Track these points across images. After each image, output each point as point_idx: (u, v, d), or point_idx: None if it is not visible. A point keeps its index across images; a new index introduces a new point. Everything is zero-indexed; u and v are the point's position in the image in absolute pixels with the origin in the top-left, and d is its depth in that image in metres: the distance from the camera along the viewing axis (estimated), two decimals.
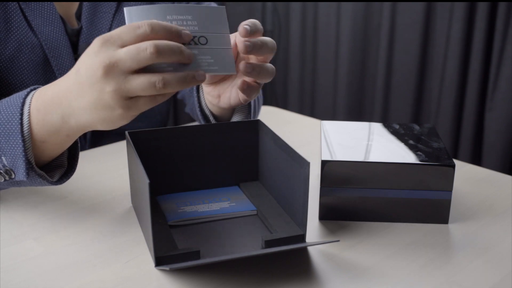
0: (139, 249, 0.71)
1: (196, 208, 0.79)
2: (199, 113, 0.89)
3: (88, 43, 1.00)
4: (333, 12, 2.34)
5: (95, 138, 1.06)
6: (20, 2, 0.94)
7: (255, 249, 0.70)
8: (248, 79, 0.75)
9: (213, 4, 1.14)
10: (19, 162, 0.71)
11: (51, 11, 0.97)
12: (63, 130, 0.69)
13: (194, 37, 0.67)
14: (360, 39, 2.31)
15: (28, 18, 0.95)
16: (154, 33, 0.62)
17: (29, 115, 0.70)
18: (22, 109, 0.70)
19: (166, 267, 0.64)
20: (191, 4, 0.69)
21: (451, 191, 0.77)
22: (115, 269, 0.68)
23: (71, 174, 0.77)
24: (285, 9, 2.51)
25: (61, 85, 0.68)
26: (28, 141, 0.70)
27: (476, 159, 2.12)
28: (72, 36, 1.00)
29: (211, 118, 0.89)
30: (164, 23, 0.63)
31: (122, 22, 1.03)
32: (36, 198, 0.83)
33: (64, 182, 0.76)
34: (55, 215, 0.79)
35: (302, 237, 0.71)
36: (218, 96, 0.82)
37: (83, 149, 1.05)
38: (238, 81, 0.78)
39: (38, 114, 0.69)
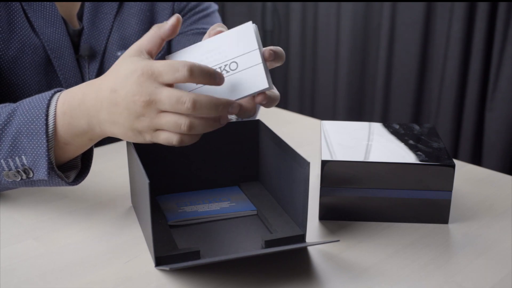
0: (139, 249, 0.71)
1: (196, 208, 0.79)
2: None
3: (89, 44, 1.01)
4: (333, 12, 2.34)
5: None
6: (23, 3, 0.94)
7: (255, 249, 0.70)
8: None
9: (213, 4, 1.14)
10: (41, 162, 0.73)
11: (52, 12, 0.97)
12: (87, 135, 0.72)
13: (225, 65, 0.68)
14: (360, 39, 2.31)
15: (31, 19, 0.95)
16: (192, 78, 0.65)
17: (54, 116, 0.72)
18: (47, 110, 0.72)
19: (166, 267, 0.64)
20: (218, 35, 0.69)
21: (451, 191, 0.77)
22: (115, 269, 0.68)
23: (86, 175, 0.79)
24: (285, 9, 2.51)
25: (90, 94, 0.70)
26: (51, 141, 0.73)
27: (476, 159, 2.12)
28: (73, 37, 1.00)
29: None
30: (202, 66, 0.65)
31: (123, 23, 1.04)
32: (36, 198, 0.83)
33: (79, 182, 0.78)
34: (55, 215, 0.79)
35: (302, 237, 0.71)
36: None
37: None
38: None
39: (64, 117, 0.72)
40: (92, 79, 1.01)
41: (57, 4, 0.99)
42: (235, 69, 0.68)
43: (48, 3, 0.97)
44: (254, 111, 0.70)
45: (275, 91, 0.71)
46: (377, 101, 2.31)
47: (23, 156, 0.73)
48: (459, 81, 2.07)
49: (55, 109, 0.73)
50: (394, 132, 0.87)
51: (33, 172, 0.74)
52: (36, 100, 0.74)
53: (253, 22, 2.59)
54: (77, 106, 0.71)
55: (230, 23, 2.58)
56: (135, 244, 0.72)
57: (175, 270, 0.67)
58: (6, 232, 0.75)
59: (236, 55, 0.68)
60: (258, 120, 0.83)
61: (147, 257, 0.70)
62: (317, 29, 2.41)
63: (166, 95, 0.64)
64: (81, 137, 0.73)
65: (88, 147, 0.75)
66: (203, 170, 0.83)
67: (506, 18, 1.92)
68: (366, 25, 2.30)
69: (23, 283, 0.65)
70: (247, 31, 0.68)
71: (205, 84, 0.66)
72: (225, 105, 0.65)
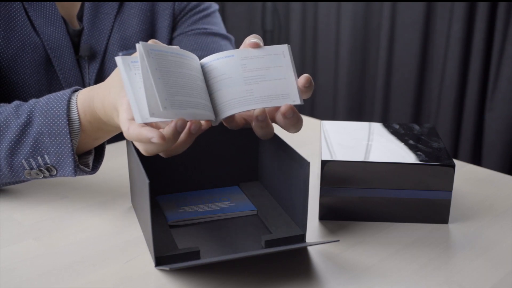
0: (139, 249, 0.71)
1: (196, 208, 0.79)
2: None
3: (89, 45, 1.01)
4: (333, 12, 2.34)
5: None
6: (24, 2, 0.95)
7: (255, 249, 0.70)
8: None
9: (214, 4, 1.14)
10: (66, 161, 0.75)
11: (53, 12, 0.97)
12: (106, 128, 0.74)
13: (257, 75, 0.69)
14: (360, 39, 2.31)
15: (31, 18, 0.95)
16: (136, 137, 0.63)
17: (78, 116, 0.74)
18: (68, 112, 0.74)
19: (166, 267, 0.64)
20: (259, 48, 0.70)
21: (451, 191, 0.77)
22: (115, 269, 0.68)
23: (102, 159, 0.80)
24: (285, 9, 2.51)
25: (99, 96, 0.71)
26: (75, 140, 0.75)
27: (476, 159, 2.12)
28: (73, 37, 1.00)
29: None
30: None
31: (124, 24, 1.04)
32: (36, 198, 0.83)
33: (98, 169, 0.80)
34: (55, 215, 0.79)
35: (302, 237, 0.71)
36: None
37: None
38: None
39: (85, 116, 0.74)
40: (92, 79, 1.02)
41: (58, 4, 0.99)
42: (263, 79, 0.68)
43: (48, 3, 0.97)
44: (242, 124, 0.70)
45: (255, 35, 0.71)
46: (377, 101, 2.31)
47: (46, 156, 0.75)
48: (459, 81, 2.07)
49: (76, 108, 0.74)
50: (394, 132, 0.87)
51: (57, 170, 0.76)
52: (54, 101, 0.75)
53: (252, 24, 2.59)
54: (94, 104, 0.72)
55: (230, 23, 2.58)
56: (135, 244, 0.72)
57: (175, 270, 0.67)
58: (6, 232, 0.75)
59: (268, 66, 0.69)
60: None
61: (147, 257, 0.70)
62: (317, 29, 2.41)
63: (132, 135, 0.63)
64: (102, 130, 0.75)
65: (108, 138, 0.77)
66: (203, 170, 0.83)
67: (506, 18, 1.92)
68: (366, 25, 2.30)
69: (23, 283, 0.65)
70: (284, 49, 0.70)
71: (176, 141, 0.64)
72: (175, 134, 0.62)
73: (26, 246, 0.72)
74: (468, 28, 2.01)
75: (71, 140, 0.74)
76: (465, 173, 0.93)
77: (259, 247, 0.71)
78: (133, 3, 1.05)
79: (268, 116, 0.69)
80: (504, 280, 0.67)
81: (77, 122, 0.74)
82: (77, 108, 0.74)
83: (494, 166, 2.02)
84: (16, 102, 0.79)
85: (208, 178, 0.84)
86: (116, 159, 0.96)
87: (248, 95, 0.67)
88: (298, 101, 0.68)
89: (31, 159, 0.76)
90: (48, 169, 0.76)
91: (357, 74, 2.36)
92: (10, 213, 0.80)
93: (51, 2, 0.97)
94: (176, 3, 1.08)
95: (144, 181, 0.65)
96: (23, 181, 0.81)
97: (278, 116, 0.69)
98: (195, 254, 0.68)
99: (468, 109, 2.07)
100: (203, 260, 0.64)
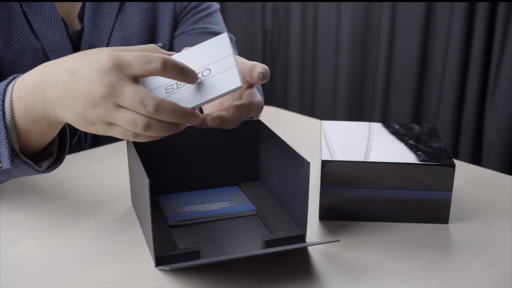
0: (139, 249, 0.71)
1: (196, 208, 0.79)
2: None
3: (90, 44, 1.00)
4: (333, 12, 2.34)
5: (95, 138, 1.06)
6: (23, 5, 0.94)
7: (255, 249, 0.70)
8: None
9: (215, 4, 1.14)
10: (3, 150, 0.70)
11: (52, 14, 0.97)
12: (45, 120, 0.69)
13: (199, 72, 0.67)
14: (360, 39, 2.31)
15: (31, 21, 0.95)
16: (165, 71, 0.62)
17: (11, 103, 0.69)
18: (3, 97, 0.70)
19: (166, 267, 0.64)
20: (194, 46, 0.69)
21: (451, 191, 0.77)
22: (115, 269, 0.68)
23: (59, 163, 0.76)
24: (285, 9, 2.51)
25: (47, 74, 0.67)
26: (11, 128, 0.70)
27: (476, 159, 2.12)
28: (73, 38, 1.00)
29: None
30: (176, 61, 0.63)
31: (125, 23, 1.04)
32: (36, 198, 0.83)
33: (51, 170, 0.76)
34: (55, 215, 0.79)
35: (302, 237, 0.71)
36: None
37: (82, 149, 1.05)
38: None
39: (21, 103, 0.69)
40: None
41: (57, 5, 0.99)
42: (208, 75, 0.67)
43: (48, 4, 0.96)
44: (235, 122, 0.67)
45: (264, 65, 0.70)
46: (377, 101, 2.31)
47: None
48: (459, 81, 2.07)
49: (11, 95, 0.70)
50: (394, 132, 0.87)
51: (1, 162, 0.72)
52: None
53: (252, 23, 2.59)
54: (32, 89, 0.68)
55: (230, 23, 2.58)
56: (135, 244, 0.72)
57: (175, 270, 0.67)
58: (6, 232, 0.75)
59: (210, 62, 0.68)
60: (258, 120, 0.83)
61: (147, 257, 0.70)
62: (317, 29, 2.41)
63: (130, 93, 0.61)
64: (40, 123, 0.69)
65: (53, 134, 0.72)
66: (203, 170, 0.83)
67: (506, 18, 1.92)
68: (366, 25, 2.30)
69: (23, 283, 0.65)
70: (222, 40, 0.68)
71: (177, 80, 0.63)
72: (187, 115, 0.62)
73: (26, 246, 0.72)
74: (468, 28, 2.01)
75: (5, 127, 0.69)
76: (465, 173, 0.93)
77: (259, 247, 0.71)
78: (134, 2, 1.05)
79: (223, 117, 0.67)
80: (504, 280, 0.67)
81: (9, 106, 0.69)
82: (11, 94, 0.70)
83: (494, 166, 2.02)
84: None
85: (208, 178, 0.84)
86: (116, 159, 0.96)
87: (190, 93, 0.67)
88: (238, 84, 0.66)
89: None
90: None
91: (357, 74, 2.36)
92: (10, 213, 0.80)
93: (50, 4, 0.97)
94: (178, 3, 1.08)
95: (144, 181, 0.65)
96: None
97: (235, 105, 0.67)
98: (195, 254, 0.68)
99: (468, 109, 2.07)
100: (203, 260, 0.64)
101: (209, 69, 0.67)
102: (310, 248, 0.72)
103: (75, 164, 0.94)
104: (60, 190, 0.86)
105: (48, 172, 0.75)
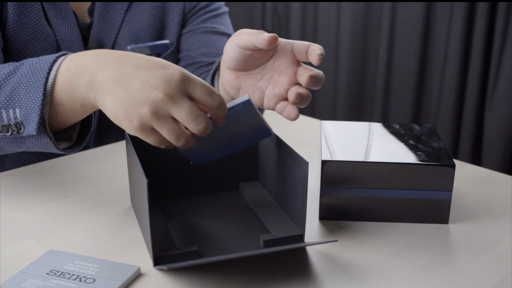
0: (138, 249, 0.71)
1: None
2: None
3: (98, 38, 1.02)
4: (333, 12, 2.34)
5: (100, 133, 1.08)
6: None
7: (254, 249, 0.70)
8: (301, 90, 0.75)
9: (224, 6, 1.15)
10: (33, 116, 0.71)
11: (65, 6, 1.00)
12: (81, 98, 0.70)
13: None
14: (360, 39, 2.31)
15: (45, 8, 0.97)
16: (217, 110, 0.65)
17: (57, 72, 0.71)
18: (52, 65, 0.71)
19: (164, 267, 0.64)
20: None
21: (451, 191, 0.77)
22: None
23: (78, 148, 0.78)
24: (285, 9, 2.51)
25: (106, 56, 0.68)
26: (48, 96, 0.71)
27: (476, 159, 2.12)
28: (83, 30, 1.03)
29: None
30: (226, 107, 0.66)
31: (134, 18, 1.06)
32: (36, 198, 0.83)
33: (70, 153, 0.77)
34: (55, 215, 0.79)
35: (300, 237, 0.71)
36: (237, 89, 0.80)
37: (87, 146, 1.06)
38: (262, 84, 0.77)
39: (67, 73, 0.70)
40: None
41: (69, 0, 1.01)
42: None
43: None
44: (309, 97, 0.74)
45: (318, 71, 0.73)
46: (377, 101, 2.31)
47: (17, 109, 0.72)
48: (459, 81, 2.07)
49: (60, 64, 0.71)
50: (394, 132, 0.87)
51: (24, 127, 0.72)
52: (44, 57, 0.73)
53: (252, 23, 2.59)
54: (85, 64, 0.69)
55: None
56: (134, 244, 0.72)
57: (173, 269, 0.67)
58: (6, 232, 0.75)
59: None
60: None
61: (146, 257, 0.70)
62: (317, 29, 2.41)
63: (188, 107, 0.63)
64: (75, 99, 0.70)
65: (81, 116, 0.73)
66: (203, 170, 0.83)
67: (506, 18, 1.92)
68: (366, 25, 2.30)
69: None
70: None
71: (213, 118, 0.66)
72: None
73: (26, 246, 0.72)
74: (468, 28, 2.01)
75: (44, 95, 0.70)
76: (465, 173, 0.93)
77: (258, 247, 0.71)
78: (142, 2, 1.06)
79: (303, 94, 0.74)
80: (504, 280, 0.67)
81: (54, 75, 0.71)
82: (60, 63, 0.71)
83: (494, 166, 2.02)
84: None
85: (207, 178, 0.84)
86: (116, 159, 0.96)
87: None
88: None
89: (3, 111, 0.72)
90: (16, 125, 0.72)
91: (357, 74, 2.36)
92: (10, 213, 0.80)
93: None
94: (187, 2, 1.10)
95: (143, 181, 0.65)
96: (1, 148, 0.78)
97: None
98: (194, 254, 0.68)
99: (468, 109, 2.07)
100: (202, 259, 0.64)
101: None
102: (309, 248, 0.72)
103: (75, 164, 0.94)
104: (60, 190, 0.86)
105: (66, 153, 0.76)
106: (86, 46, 1.03)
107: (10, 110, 0.72)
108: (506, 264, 0.69)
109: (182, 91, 0.63)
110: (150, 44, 1.07)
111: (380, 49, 2.23)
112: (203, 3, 1.11)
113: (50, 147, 0.74)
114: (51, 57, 0.72)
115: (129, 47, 1.05)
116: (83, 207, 0.81)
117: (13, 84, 0.72)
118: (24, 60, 0.75)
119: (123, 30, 1.05)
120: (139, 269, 0.66)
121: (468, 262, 0.70)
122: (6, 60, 0.96)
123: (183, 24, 1.11)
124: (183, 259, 0.67)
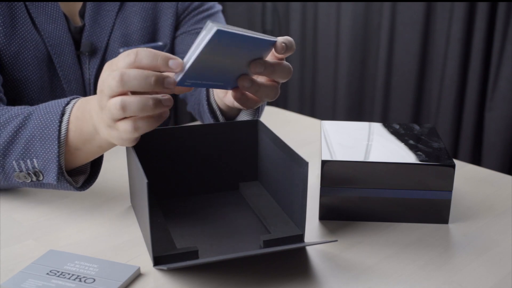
0: (138, 249, 0.71)
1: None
2: (206, 107, 0.89)
3: (90, 41, 1.01)
4: (333, 12, 2.34)
5: None
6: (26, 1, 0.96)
7: (254, 249, 0.70)
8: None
9: (217, 5, 1.14)
10: (51, 166, 0.75)
11: (55, 10, 0.98)
12: (96, 141, 0.74)
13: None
14: (360, 39, 2.31)
15: (33, 15, 0.96)
16: (138, 62, 0.66)
17: (67, 123, 0.75)
18: (61, 117, 0.75)
19: (164, 267, 0.64)
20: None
21: (451, 191, 0.77)
22: None
23: (94, 181, 0.81)
24: (285, 9, 2.51)
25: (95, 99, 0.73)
26: (62, 147, 0.74)
27: (476, 159, 2.12)
28: (75, 34, 1.01)
29: (218, 113, 0.89)
30: (151, 51, 0.67)
31: (126, 21, 1.05)
32: (36, 198, 0.83)
33: (87, 188, 0.80)
34: (55, 215, 0.79)
35: (300, 237, 0.71)
36: (226, 92, 0.83)
37: None
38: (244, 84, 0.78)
39: (77, 122, 0.74)
40: (93, 75, 1.03)
41: (60, 2, 1.00)
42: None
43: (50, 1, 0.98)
44: (269, 90, 0.75)
45: (289, 38, 0.73)
46: (377, 101, 2.31)
47: (34, 159, 0.75)
48: (459, 81, 2.07)
49: (69, 115, 0.75)
50: (394, 132, 0.87)
51: (43, 175, 0.76)
52: (51, 106, 0.76)
53: (252, 23, 2.59)
54: (88, 111, 0.73)
55: (230, 23, 2.57)
56: (134, 244, 0.72)
57: (173, 269, 0.67)
58: (6, 232, 0.75)
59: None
60: (258, 120, 0.83)
61: (146, 257, 0.70)
62: (317, 29, 2.41)
63: (112, 76, 0.65)
64: (91, 143, 0.74)
65: (99, 154, 0.77)
66: (203, 169, 0.83)
67: (506, 18, 1.92)
68: (366, 25, 2.29)
69: None
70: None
71: (154, 68, 0.66)
72: (164, 59, 0.65)
73: (26, 246, 0.72)
74: (468, 28, 2.01)
75: (59, 146, 0.74)
76: (465, 173, 0.93)
77: (257, 247, 0.71)
78: (134, 2, 1.05)
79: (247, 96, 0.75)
80: (504, 280, 0.67)
81: (65, 126, 0.75)
82: (69, 113, 0.75)
83: (494, 166, 2.02)
84: (23, 106, 0.81)
85: (207, 178, 0.84)
86: (116, 159, 0.96)
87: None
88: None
89: (21, 161, 0.76)
90: (35, 174, 0.76)
91: (357, 74, 2.36)
92: (10, 213, 0.80)
93: (54, 1, 0.98)
94: (180, 3, 1.09)
95: (143, 181, 0.65)
96: (17, 186, 0.81)
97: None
98: (194, 254, 0.67)
99: (468, 109, 2.07)
100: (201, 259, 0.64)
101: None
102: (309, 248, 0.72)
103: None
104: (60, 190, 0.86)
105: (84, 189, 0.79)
106: (78, 50, 1.02)
107: (28, 161, 0.76)
108: (506, 264, 0.69)
109: (108, 72, 0.67)
110: (142, 46, 1.07)
111: (380, 49, 2.23)
112: (196, 3, 1.10)
113: (69, 188, 0.78)
114: (59, 107, 0.75)
115: (121, 50, 1.04)
116: (83, 207, 0.81)
117: (27, 136, 0.75)
118: (32, 109, 0.78)
119: (115, 33, 1.04)
120: (139, 269, 0.66)
121: (468, 262, 0.70)
122: None
123: (176, 25, 1.10)
124: (183, 259, 0.67)
